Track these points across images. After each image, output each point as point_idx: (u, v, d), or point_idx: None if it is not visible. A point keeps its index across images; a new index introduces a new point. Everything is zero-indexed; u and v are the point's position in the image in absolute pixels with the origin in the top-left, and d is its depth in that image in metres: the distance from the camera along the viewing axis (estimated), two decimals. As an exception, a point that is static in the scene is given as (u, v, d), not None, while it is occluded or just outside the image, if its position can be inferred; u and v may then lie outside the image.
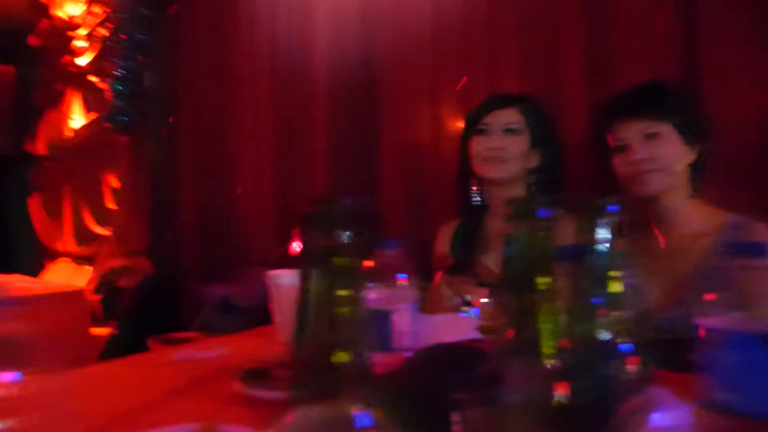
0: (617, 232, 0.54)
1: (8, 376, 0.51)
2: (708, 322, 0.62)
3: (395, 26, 2.41)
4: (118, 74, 3.66)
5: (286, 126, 2.88)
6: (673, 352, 0.65)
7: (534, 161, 1.48)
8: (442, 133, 2.25)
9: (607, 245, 0.54)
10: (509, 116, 1.47)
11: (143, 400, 0.75)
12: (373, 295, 0.83)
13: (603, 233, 0.53)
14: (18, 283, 2.24)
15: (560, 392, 0.39)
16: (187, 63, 3.49)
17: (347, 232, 0.30)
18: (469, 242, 1.53)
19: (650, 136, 1.24)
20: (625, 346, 0.54)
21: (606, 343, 0.54)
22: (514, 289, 0.43)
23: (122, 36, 3.63)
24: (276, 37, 2.90)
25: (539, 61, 1.97)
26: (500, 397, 0.40)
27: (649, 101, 1.26)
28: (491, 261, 1.49)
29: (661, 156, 1.23)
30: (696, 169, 1.27)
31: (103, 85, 3.80)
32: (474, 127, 1.49)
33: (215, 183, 3.28)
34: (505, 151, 1.44)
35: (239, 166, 3.13)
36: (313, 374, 0.30)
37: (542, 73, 1.96)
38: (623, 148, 1.26)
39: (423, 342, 0.84)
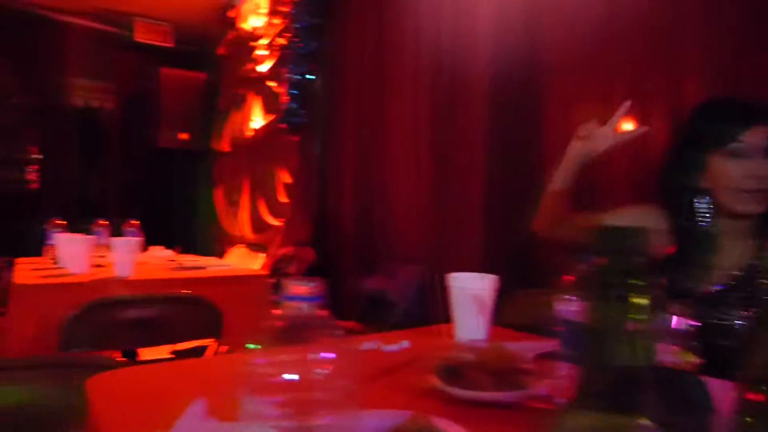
0: None
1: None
2: None
3: (562, 21, 2.33)
4: (293, 79, 4.00)
5: (444, 127, 2.93)
6: None
7: None
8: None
9: None
10: None
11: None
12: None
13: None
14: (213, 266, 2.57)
15: None
16: (352, 68, 3.71)
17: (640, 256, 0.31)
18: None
19: None
20: None
21: None
22: None
23: (298, 44, 3.96)
24: (440, 39, 2.96)
25: (726, 65, 1.78)
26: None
27: None
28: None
29: None
30: None
31: (279, 90, 4.19)
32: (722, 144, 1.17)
33: (373, 181, 3.45)
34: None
35: (396, 165, 3.26)
36: (599, 389, 0.31)
37: (728, 79, 1.76)
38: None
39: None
